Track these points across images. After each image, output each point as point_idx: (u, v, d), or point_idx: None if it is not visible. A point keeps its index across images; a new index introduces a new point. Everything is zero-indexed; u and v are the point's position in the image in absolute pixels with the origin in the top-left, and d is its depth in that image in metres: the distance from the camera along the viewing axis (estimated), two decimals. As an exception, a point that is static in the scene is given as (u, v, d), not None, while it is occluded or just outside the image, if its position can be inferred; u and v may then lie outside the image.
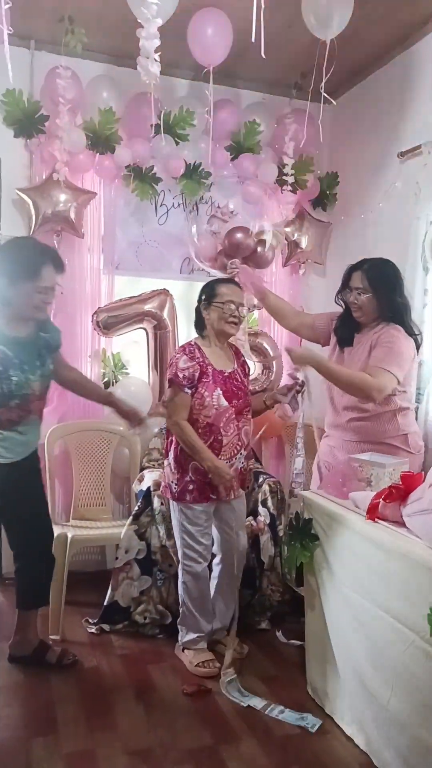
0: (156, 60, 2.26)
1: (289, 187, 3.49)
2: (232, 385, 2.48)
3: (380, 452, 2.37)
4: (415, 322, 2.50)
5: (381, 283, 2.45)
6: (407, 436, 2.46)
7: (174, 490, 2.49)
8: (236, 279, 2.76)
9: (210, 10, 2.82)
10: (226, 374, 2.49)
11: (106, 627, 2.77)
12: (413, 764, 1.74)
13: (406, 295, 2.51)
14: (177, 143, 3.32)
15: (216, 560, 2.61)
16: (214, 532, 2.57)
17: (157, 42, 2.25)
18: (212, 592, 2.60)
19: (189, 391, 2.41)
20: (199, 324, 2.57)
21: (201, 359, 2.46)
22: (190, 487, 2.45)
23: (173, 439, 2.50)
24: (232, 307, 2.46)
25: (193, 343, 2.53)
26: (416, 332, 2.47)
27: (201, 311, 2.54)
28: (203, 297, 2.54)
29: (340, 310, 2.62)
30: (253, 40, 1.99)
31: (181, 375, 2.40)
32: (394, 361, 2.33)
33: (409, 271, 2.88)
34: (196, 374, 2.42)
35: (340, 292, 2.57)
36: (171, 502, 2.53)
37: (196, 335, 2.60)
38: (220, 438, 2.42)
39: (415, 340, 2.45)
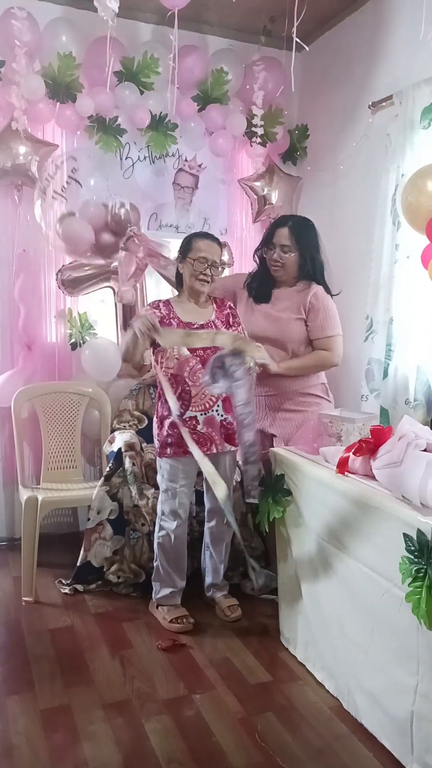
0: (115, -3, 2.14)
1: (259, 140, 3.39)
2: None
3: (303, 402, 2.64)
4: (327, 283, 2.67)
5: (306, 241, 2.60)
6: (325, 386, 2.73)
7: (156, 446, 2.51)
8: (132, 243, 2.73)
9: None
10: (195, 326, 2.44)
11: (79, 587, 2.78)
12: (386, 704, 1.80)
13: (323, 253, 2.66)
14: (141, 92, 3.18)
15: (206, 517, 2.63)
16: (204, 488, 2.59)
17: (117, -24, 2.12)
18: (207, 548, 2.65)
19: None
20: (178, 278, 2.53)
21: (166, 312, 2.44)
22: (169, 440, 2.44)
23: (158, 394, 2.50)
24: (204, 264, 2.41)
25: (163, 299, 2.50)
26: (333, 293, 2.67)
27: (177, 265, 2.51)
28: (180, 250, 2.50)
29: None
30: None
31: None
32: (334, 322, 2.60)
33: (379, 225, 2.86)
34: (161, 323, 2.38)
35: (261, 248, 2.67)
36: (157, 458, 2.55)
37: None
38: (187, 389, 2.40)
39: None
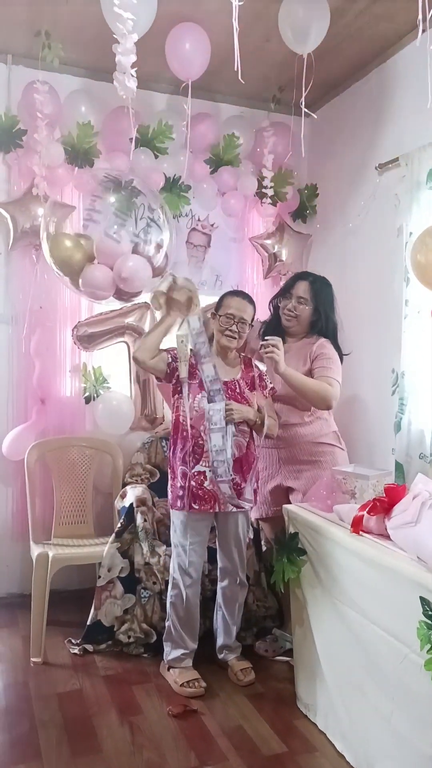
0: (132, 75, 2.26)
1: (269, 200, 3.50)
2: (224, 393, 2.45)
3: (317, 452, 2.63)
4: (339, 344, 2.71)
5: (323, 298, 2.66)
6: (337, 433, 2.71)
7: (169, 498, 2.50)
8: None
9: (187, 24, 2.83)
10: None
11: (89, 647, 2.71)
12: None
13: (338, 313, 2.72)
14: (156, 156, 3.32)
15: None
16: (217, 546, 2.56)
17: (133, 57, 2.24)
18: (220, 608, 2.60)
19: (170, 360, 2.45)
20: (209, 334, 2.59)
21: (195, 362, 2.44)
22: (180, 493, 2.43)
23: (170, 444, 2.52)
24: (231, 321, 2.45)
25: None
26: (344, 353, 2.71)
27: (208, 322, 2.56)
28: (214, 307, 2.58)
29: None
30: (235, 67, 1.98)
31: (172, 349, 2.47)
32: (337, 370, 2.60)
33: (389, 282, 2.91)
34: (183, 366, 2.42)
35: (278, 297, 2.73)
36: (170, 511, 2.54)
37: None
38: (201, 443, 2.39)
39: (341, 358, 2.68)
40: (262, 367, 2.65)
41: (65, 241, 2.94)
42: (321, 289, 2.67)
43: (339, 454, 2.68)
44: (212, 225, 3.54)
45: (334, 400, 2.56)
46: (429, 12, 1.90)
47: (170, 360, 2.45)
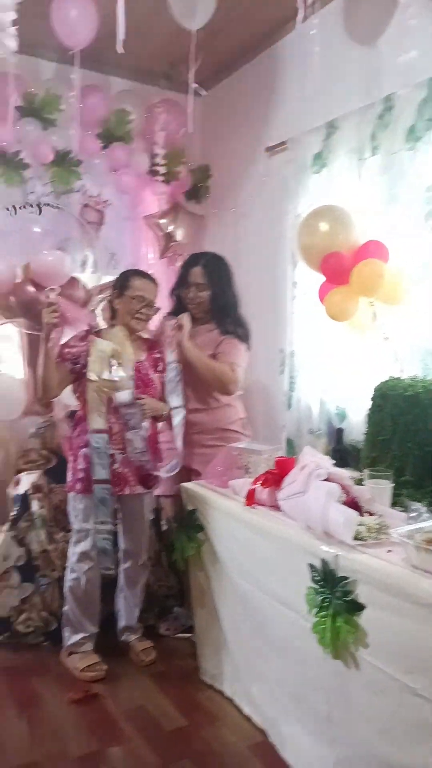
0: (12, 34, 2.13)
1: (162, 178, 3.46)
2: None
3: (222, 439, 2.58)
4: (242, 315, 2.68)
5: (218, 278, 2.63)
6: (244, 420, 2.72)
7: (68, 479, 2.45)
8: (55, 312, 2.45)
9: (72, -10, 2.71)
10: None
11: (-16, 640, 2.61)
12: (314, 733, 1.80)
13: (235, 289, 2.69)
14: (45, 128, 3.16)
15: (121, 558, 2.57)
16: (119, 528, 2.54)
17: (12, 14, 2.11)
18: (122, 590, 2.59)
19: (70, 366, 2.38)
20: (111, 313, 2.52)
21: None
22: (81, 475, 2.38)
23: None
24: (141, 303, 2.40)
25: (93, 329, 2.49)
26: (243, 326, 2.65)
27: (112, 300, 2.49)
28: (115, 286, 2.49)
29: None
30: (118, 36, 1.91)
31: (65, 350, 2.39)
32: (240, 358, 2.56)
33: (280, 264, 2.98)
34: (83, 356, 2.37)
35: (178, 288, 2.68)
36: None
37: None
38: (109, 425, 2.35)
39: (247, 338, 2.64)
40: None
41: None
42: (215, 270, 2.64)
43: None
44: (105, 202, 3.45)
45: (234, 384, 2.54)
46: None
47: (71, 366, 2.38)
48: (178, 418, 2.49)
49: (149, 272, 2.61)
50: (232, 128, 3.52)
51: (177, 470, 2.48)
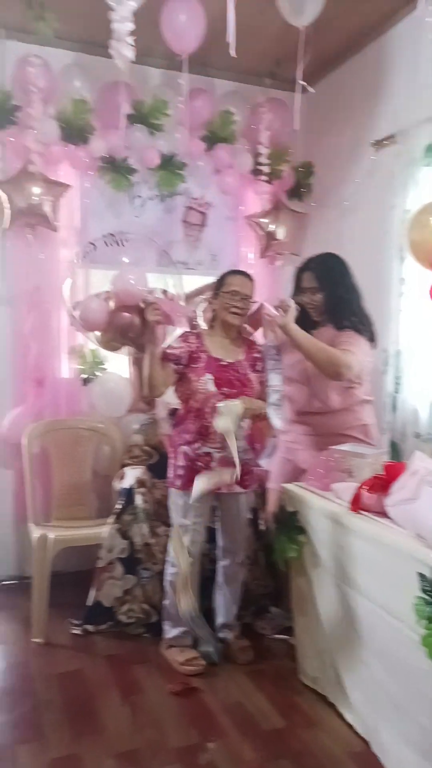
0: (130, 44, 2.21)
1: (265, 177, 3.45)
2: (228, 374, 2.43)
3: (341, 444, 2.41)
4: (363, 310, 2.54)
5: (331, 280, 2.51)
6: (367, 427, 2.53)
7: (169, 476, 2.50)
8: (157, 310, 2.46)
9: (183, -4, 2.77)
10: (224, 363, 2.44)
11: (90, 628, 2.73)
12: (416, 745, 1.73)
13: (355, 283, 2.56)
14: (152, 133, 3.26)
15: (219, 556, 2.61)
16: (218, 526, 2.57)
17: (130, 25, 2.19)
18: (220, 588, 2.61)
19: (174, 366, 2.42)
20: (212, 313, 2.57)
21: (197, 345, 2.45)
22: (180, 472, 2.43)
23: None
24: (236, 297, 2.43)
25: (195, 330, 2.54)
26: (363, 320, 2.51)
27: (211, 301, 2.55)
28: (213, 287, 2.54)
29: None
30: (228, 38, 1.92)
31: (168, 351, 2.44)
32: (359, 346, 2.40)
33: (386, 260, 2.88)
34: (185, 356, 2.42)
35: (295, 295, 2.59)
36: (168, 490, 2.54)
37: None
38: (206, 424, 2.38)
39: (370, 332, 2.50)
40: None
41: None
42: (324, 271, 2.54)
43: None
44: (208, 203, 3.50)
45: (347, 368, 2.32)
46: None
47: (175, 367, 2.43)
48: (275, 397, 2.42)
49: (246, 270, 2.61)
50: (336, 123, 3.45)
51: (274, 454, 2.43)
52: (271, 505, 2.69)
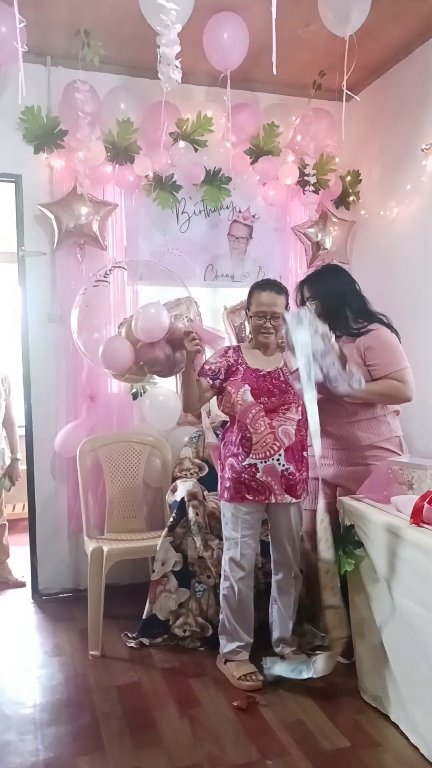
0: (177, 66, 2.25)
1: (311, 188, 3.44)
2: (266, 383, 2.43)
3: (375, 457, 2.44)
4: (367, 308, 2.55)
5: (320, 286, 2.55)
6: (400, 439, 2.53)
7: (219, 489, 2.52)
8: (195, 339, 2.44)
9: (225, 14, 2.81)
10: (262, 373, 2.45)
11: (145, 641, 2.74)
12: None
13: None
14: (196, 150, 3.30)
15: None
16: (270, 539, 2.56)
17: (177, 48, 2.23)
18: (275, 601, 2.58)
19: (210, 381, 2.46)
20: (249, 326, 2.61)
21: (235, 358, 2.49)
22: (228, 484, 2.44)
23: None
24: (264, 319, 2.43)
25: (234, 344, 2.58)
26: (372, 317, 2.51)
27: (247, 316, 2.58)
28: (246, 304, 2.58)
29: None
30: (272, 57, 1.95)
31: (206, 366, 2.48)
32: (399, 355, 2.43)
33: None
34: (222, 370, 2.46)
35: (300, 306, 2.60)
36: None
37: None
38: (248, 435, 2.38)
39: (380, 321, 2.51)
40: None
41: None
42: (316, 280, 2.59)
43: None
44: (254, 216, 3.51)
45: (410, 390, 2.41)
46: None
47: (211, 382, 2.47)
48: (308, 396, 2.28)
49: (275, 280, 2.57)
50: (384, 130, 3.42)
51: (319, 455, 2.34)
52: (306, 525, 2.67)
